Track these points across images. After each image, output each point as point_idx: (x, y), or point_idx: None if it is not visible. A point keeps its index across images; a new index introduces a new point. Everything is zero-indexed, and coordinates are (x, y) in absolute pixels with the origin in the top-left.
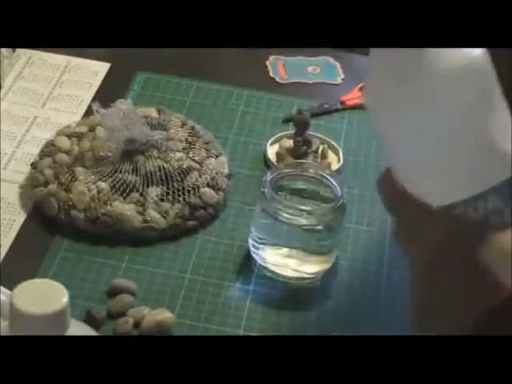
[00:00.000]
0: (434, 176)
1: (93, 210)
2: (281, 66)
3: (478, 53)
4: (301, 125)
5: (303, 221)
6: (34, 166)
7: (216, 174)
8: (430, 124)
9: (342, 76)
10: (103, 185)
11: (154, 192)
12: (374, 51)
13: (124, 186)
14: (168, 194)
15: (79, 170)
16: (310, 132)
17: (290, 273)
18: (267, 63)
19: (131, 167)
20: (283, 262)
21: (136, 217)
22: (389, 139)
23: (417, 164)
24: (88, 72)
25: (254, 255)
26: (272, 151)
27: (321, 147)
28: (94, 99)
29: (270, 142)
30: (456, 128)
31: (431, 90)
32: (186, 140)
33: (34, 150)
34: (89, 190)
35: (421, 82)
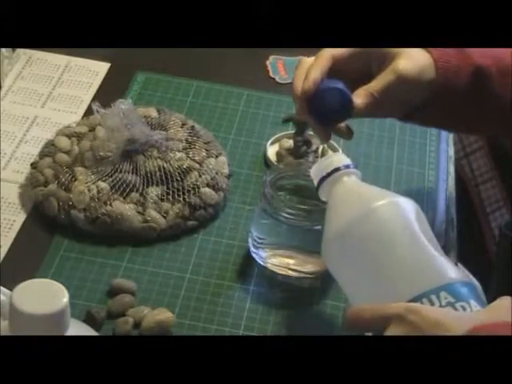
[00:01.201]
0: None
1: (93, 209)
2: (281, 65)
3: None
4: (301, 125)
5: (303, 221)
6: (34, 165)
7: (216, 173)
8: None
9: None
10: (103, 185)
11: (153, 192)
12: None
13: (124, 185)
14: (168, 193)
15: (79, 169)
16: (309, 132)
17: (289, 273)
18: (267, 63)
19: (131, 167)
20: (283, 261)
21: (136, 217)
22: (346, 282)
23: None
24: (88, 72)
25: (254, 255)
26: (272, 151)
27: (321, 147)
28: (93, 99)
29: (269, 142)
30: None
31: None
32: (186, 140)
33: (34, 150)
34: (89, 189)
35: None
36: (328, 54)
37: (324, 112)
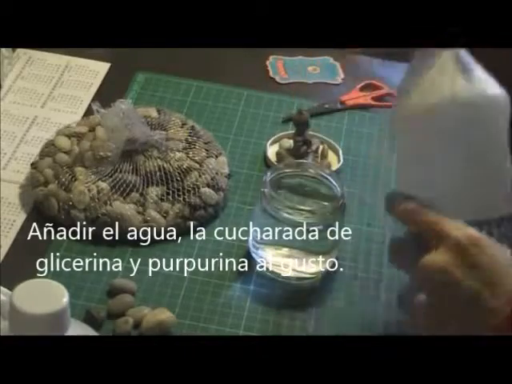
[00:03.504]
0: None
1: (93, 209)
2: (281, 65)
3: (496, 92)
4: (301, 125)
5: (303, 220)
6: (34, 166)
7: (216, 173)
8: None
9: (342, 76)
10: (103, 185)
11: (153, 192)
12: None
13: (124, 185)
14: (168, 194)
15: (79, 169)
16: (309, 132)
17: (290, 273)
18: (267, 63)
19: (131, 167)
20: (283, 261)
21: (136, 217)
22: (411, 163)
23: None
24: (88, 72)
25: (254, 255)
26: (272, 151)
27: (321, 147)
28: (93, 99)
29: (270, 141)
30: (471, 161)
31: (453, 124)
32: (186, 140)
33: (34, 150)
34: (89, 189)
35: (444, 117)
36: None
37: None
